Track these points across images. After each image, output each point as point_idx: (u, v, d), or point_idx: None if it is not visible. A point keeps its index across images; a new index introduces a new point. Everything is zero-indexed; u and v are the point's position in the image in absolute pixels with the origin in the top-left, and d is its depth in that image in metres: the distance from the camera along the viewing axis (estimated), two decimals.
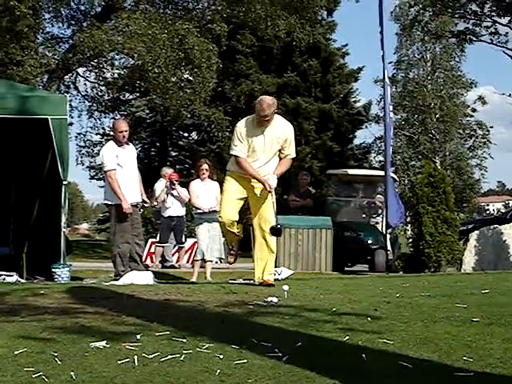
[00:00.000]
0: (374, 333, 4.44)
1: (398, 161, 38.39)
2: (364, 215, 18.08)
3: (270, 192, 7.86)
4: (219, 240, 11.42)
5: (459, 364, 3.64)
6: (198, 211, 11.47)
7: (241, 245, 8.58)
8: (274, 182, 7.85)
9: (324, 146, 30.16)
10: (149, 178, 22.84)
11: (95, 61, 23.94)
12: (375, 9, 14.71)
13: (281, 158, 8.06)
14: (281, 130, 7.92)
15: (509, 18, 28.94)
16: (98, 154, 35.42)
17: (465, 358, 3.74)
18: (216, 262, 11.86)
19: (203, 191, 11.50)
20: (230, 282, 8.52)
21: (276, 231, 7.98)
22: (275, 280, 8.06)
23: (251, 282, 8.17)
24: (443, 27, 35.55)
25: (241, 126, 7.93)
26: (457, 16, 31.02)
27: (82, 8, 23.60)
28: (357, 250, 15.74)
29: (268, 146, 7.85)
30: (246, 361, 3.69)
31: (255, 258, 8.10)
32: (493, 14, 29.09)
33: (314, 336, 4.37)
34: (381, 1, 14.58)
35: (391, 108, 15.37)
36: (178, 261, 15.30)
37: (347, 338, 4.27)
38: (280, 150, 7.99)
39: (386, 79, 14.98)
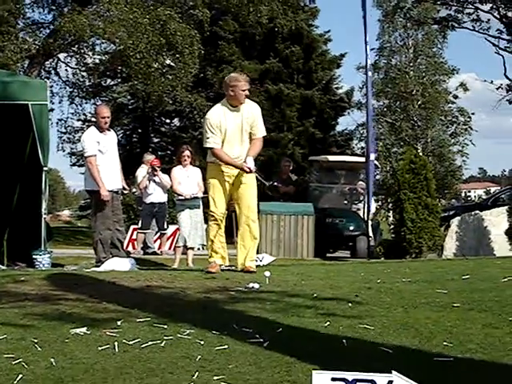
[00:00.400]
0: (354, 318, 4.46)
1: (380, 147, 38.46)
2: (346, 202, 18.13)
3: (250, 172, 7.81)
4: (201, 226, 11.41)
5: (439, 349, 3.66)
6: (180, 198, 11.43)
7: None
8: (251, 163, 7.78)
9: (306, 132, 30.17)
10: (130, 165, 22.74)
11: (76, 46, 23.78)
12: None
13: (251, 139, 7.97)
14: (248, 111, 7.86)
15: (491, 5, 29.01)
16: (80, 141, 35.38)
17: (445, 343, 3.76)
18: (198, 249, 11.84)
19: (185, 177, 11.47)
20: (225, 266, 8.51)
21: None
22: (257, 266, 8.05)
23: (233, 268, 8.17)
24: (425, 14, 35.60)
25: (210, 116, 7.86)
26: (439, 3, 31.06)
27: None
28: (338, 237, 15.80)
29: (240, 130, 7.79)
30: (226, 346, 3.69)
31: (238, 244, 8.07)
32: (475, 0, 29.14)
33: (294, 322, 4.38)
34: None
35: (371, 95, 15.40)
36: (160, 247, 15.27)
37: (328, 323, 4.28)
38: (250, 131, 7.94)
39: (369, 65, 15.00)
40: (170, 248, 15.57)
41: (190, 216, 11.28)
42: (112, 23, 19.24)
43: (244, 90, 7.73)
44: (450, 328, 4.15)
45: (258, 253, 8.37)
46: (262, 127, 8.03)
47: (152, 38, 19.59)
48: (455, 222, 14.84)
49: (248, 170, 7.75)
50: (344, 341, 3.77)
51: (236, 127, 7.78)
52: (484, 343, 3.77)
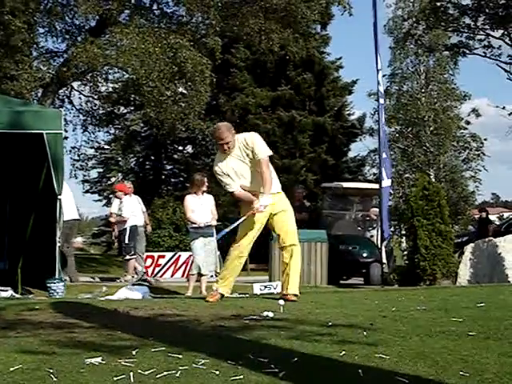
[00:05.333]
0: (370, 347, 4.43)
1: (392, 173, 38.41)
2: (359, 228, 18.10)
3: (261, 212, 7.72)
4: (214, 254, 11.41)
5: (456, 379, 3.63)
6: (194, 226, 11.43)
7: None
8: (264, 201, 7.61)
9: (319, 158, 30.22)
10: (144, 192, 22.74)
11: (90, 75, 23.96)
12: (369, 22, 14.81)
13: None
14: (243, 142, 7.71)
15: (502, 31, 29.06)
16: (93, 168, 35.60)
17: (461, 372, 3.73)
18: (211, 276, 11.83)
19: (198, 205, 11.47)
20: (225, 296, 8.50)
21: None
22: (271, 294, 8.01)
23: (247, 296, 8.15)
24: (436, 40, 35.69)
25: (216, 165, 7.78)
26: (450, 29, 31.13)
27: (77, 22, 23.63)
28: (352, 263, 15.76)
29: (243, 163, 7.71)
30: (242, 377, 3.67)
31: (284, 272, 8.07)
32: (486, 27, 29.19)
33: (310, 351, 4.36)
34: (375, 15, 14.65)
35: (383, 120, 15.40)
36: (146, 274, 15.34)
37: (343, 352, 4.26)
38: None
39: (381, 91, 15.02)
40: (183, 275, 15.58)
41: (203, 244, 11.28)
42: (124, 52, 19.39)
43: (221, 141, 7.61)
44: (465, 357, 4.12)
45: (270, 280, 8.33)
46: (262, 149, 7.76)
47: (163, 66, 19.71)
48: (469, 248, 14.72)
49: (256, 211, 7.60)
50: (360, 370, 3.75)
51: (240, 164, 7.70)
52: (500, 372, 3.73)
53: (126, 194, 14.70)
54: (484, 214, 22.02)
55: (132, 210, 14.42)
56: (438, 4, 29.13)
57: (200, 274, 11.39)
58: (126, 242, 14.35)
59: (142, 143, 37.42)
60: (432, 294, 8.64)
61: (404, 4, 40.07)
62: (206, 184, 11.67)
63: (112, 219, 15.15)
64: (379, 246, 15.19)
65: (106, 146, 37.76)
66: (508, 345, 4.51)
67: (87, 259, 27.60)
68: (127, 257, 14.41)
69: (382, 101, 15.34)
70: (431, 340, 4.73)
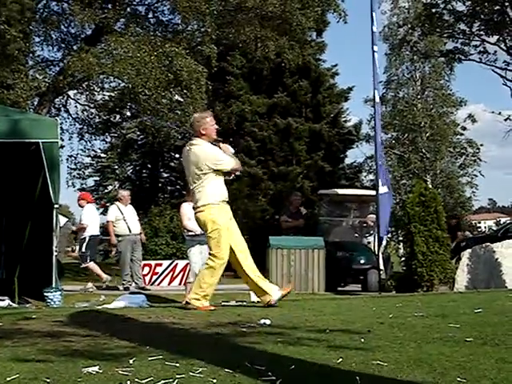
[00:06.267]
0: (367, 354, 4.42)
1: (388, 180, 38.46)
2: (356, 235, 18.08)
3: None
4: None
5: None
6: (190, 233, 11.40)
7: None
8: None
9: (315, 165, 30.17)
10: (140, 200, 22.76)
11: (85, 83, 23.96)
12: (364, 29, 14.85)
13: None
14: None
15: (497, 37, 29.14)
16: (89, 176, 35.62)
17: (459, 378, 3.73)
18: None
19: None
20: (223, 304, 8.50)
21: None
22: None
23: (244, 303, 8.14)
24: (432, 47, 35.78)
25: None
26: (445, 35, 31.21)
27: (72, 31, 23.68)
28: (349, 270, 15.73)
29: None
30: None
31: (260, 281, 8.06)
32: (481, 33, 29.28)
33: (307, 358, 4.35)
34: (372, 21, 14.67)
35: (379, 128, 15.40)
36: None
37: (341, 359, 4.25)
38: None
39: (377, 99, 15.01)
40: (180, 283, 15.55)
41: (200, 251, 11.25)
42: (120, 61, 19.40)
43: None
44: (463, 363, 4.12)
45: None
46: None
47: (159, 74, 19.71)
48: (466, 254, 14.73)
49: None
50: (357, 377, 3.74)
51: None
52: (497, 378, 3.73)
53: (88, 203, 15.04)
54: (454, 222, 20.78)
55: (92, 219, 14.62)
56: (433, 10, 29.23)
57: None
58: (83, 250, 14.57)
59: (139, 151, 37.41)
60: (429, 300, 8.64)
61: (399, 10, 40.30)
62: None
63: (74, 227, 15.48)
64: (376, 252, 15.18)
65: (103, 155, 37.77)
66: (505, 350, 4.50)
67: (85, 268, 27.52)
68: (83, 265, 14.63)
69: (378, 108, 15.30)
70: (428, 346, 4.73)
